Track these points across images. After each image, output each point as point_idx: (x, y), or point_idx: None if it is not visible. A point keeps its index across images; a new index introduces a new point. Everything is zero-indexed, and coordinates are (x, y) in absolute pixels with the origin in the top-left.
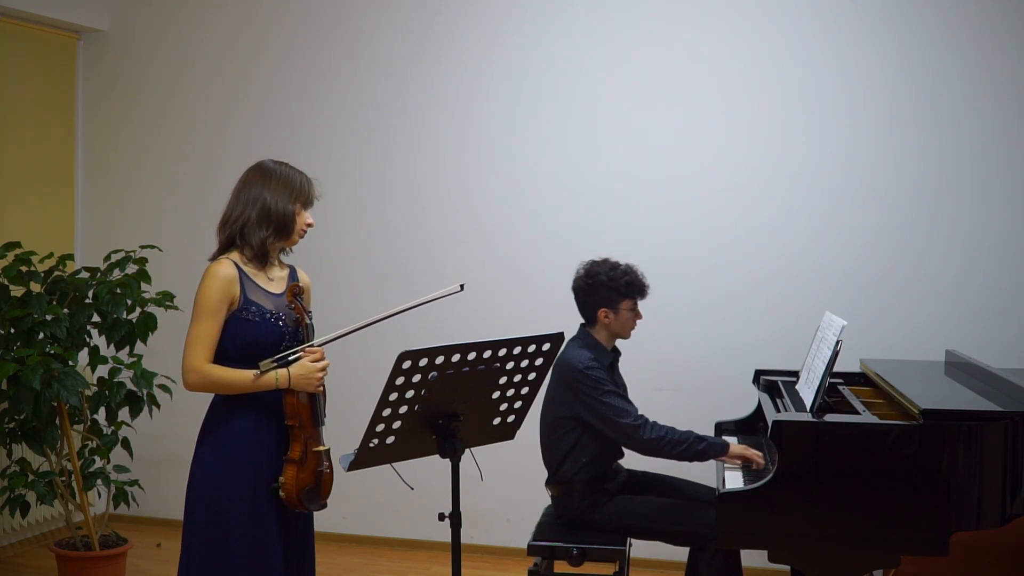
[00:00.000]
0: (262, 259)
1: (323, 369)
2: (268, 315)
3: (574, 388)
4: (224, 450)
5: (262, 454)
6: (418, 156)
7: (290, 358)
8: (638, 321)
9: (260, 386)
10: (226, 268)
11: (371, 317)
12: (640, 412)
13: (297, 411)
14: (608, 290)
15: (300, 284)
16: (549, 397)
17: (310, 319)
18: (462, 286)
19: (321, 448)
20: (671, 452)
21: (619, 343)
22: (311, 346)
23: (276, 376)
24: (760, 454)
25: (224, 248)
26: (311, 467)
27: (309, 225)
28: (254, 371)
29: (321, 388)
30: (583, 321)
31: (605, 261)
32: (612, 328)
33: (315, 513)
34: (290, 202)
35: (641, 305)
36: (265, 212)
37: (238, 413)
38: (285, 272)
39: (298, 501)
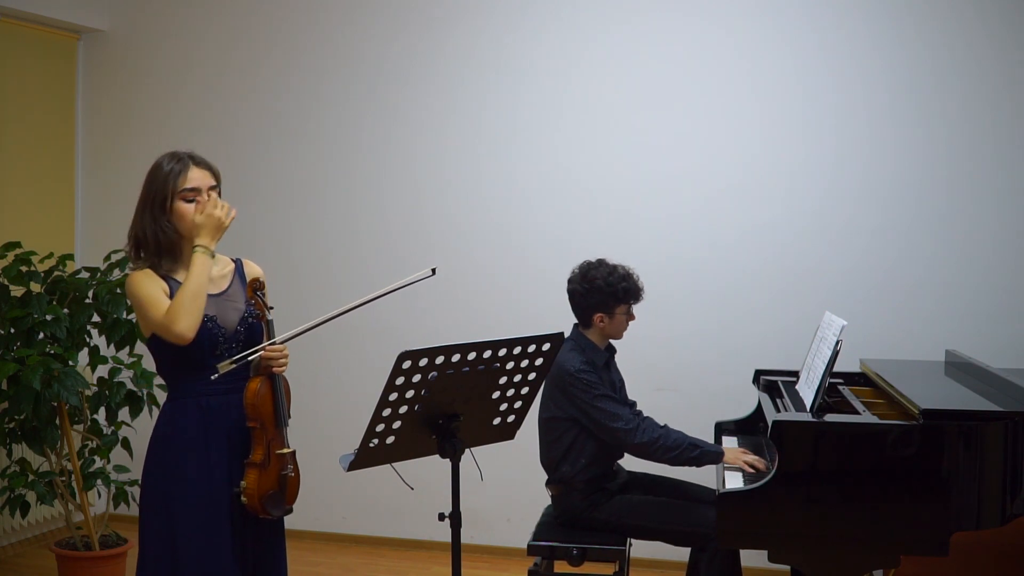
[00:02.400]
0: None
1: (215, 206)
2: None
3: (566, 391)
4: (171, 455)
5: (211, 458)
6: (417, 155)
7: (249, 358)
8: (631, 322)
9: (201, 268)
10: (144, 272)
11: (337, 309)
12: (636, 413)
13: (258, 412)
14: (605, 295)
15: (261, 280)
16: (543, 397)
17: (269, 315)
18: (434, 270)
19: (285, 451)
20: (663, 457)
21: (617, 343)
22: (271, 344)
23: (194, 249)
24: (757, 459)
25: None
26: (274, 471)
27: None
28: (191, 266)
29: (222, 217)
30: (576, 321)
31: (601, 264)
32: (606, 331)
33: (315, 513)
34: (157, 217)
35: (641, 304)
36: (144, 241)
37: (184, 417)
38: (228, 268)
39: (261, 507)
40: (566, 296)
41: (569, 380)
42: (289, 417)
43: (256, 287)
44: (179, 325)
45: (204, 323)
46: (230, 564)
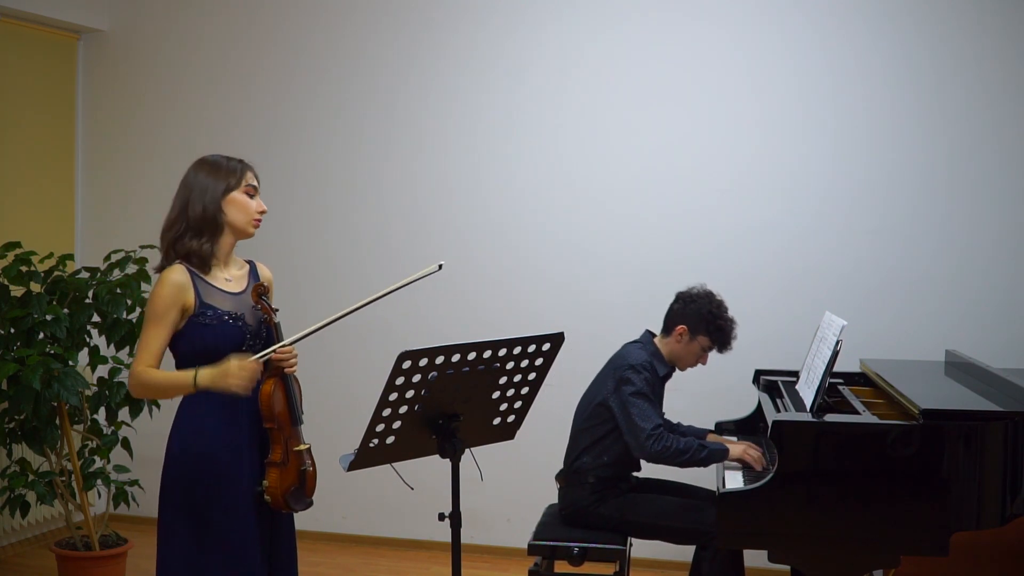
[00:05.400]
0: (203, 263)
1: (242, 366)
2: (226, 317)
3: (617, 379)
4: (195, 455)
5: (237, 455)
6: (417, 155)
7: (262, 359)
8: (700, 365)
9: (181, 386)
10: (177, 274)
11: (343, 309)
12: (672, 427)
13: (274, 413)
14: (700, 318)
15: (264, 283)
16: (592, 385)
17: (276, 317)
18: (440, 266)
19: (302, 447)
20: (675, 460)
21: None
22: (282, 345)
23: (195, 376)
24: (759, 454)
25: (167, 257)
26: (294, 467)
27: (261, 212)
28: (177, 372)
29: (246, 390)
30: (649, 329)
31: (721, 302)
32: (678, 348)
33: (315, 514)
34: (215, 195)
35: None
36: (191, 216)
37: (205, 416)
38: (244, 270)
39: (284, 503)
40: (566, 296)
41: (626, 371)
42: (303, 413)
43: (260, 292)
44: (133, 389)
45: (231, 322)
46: (257, 561)
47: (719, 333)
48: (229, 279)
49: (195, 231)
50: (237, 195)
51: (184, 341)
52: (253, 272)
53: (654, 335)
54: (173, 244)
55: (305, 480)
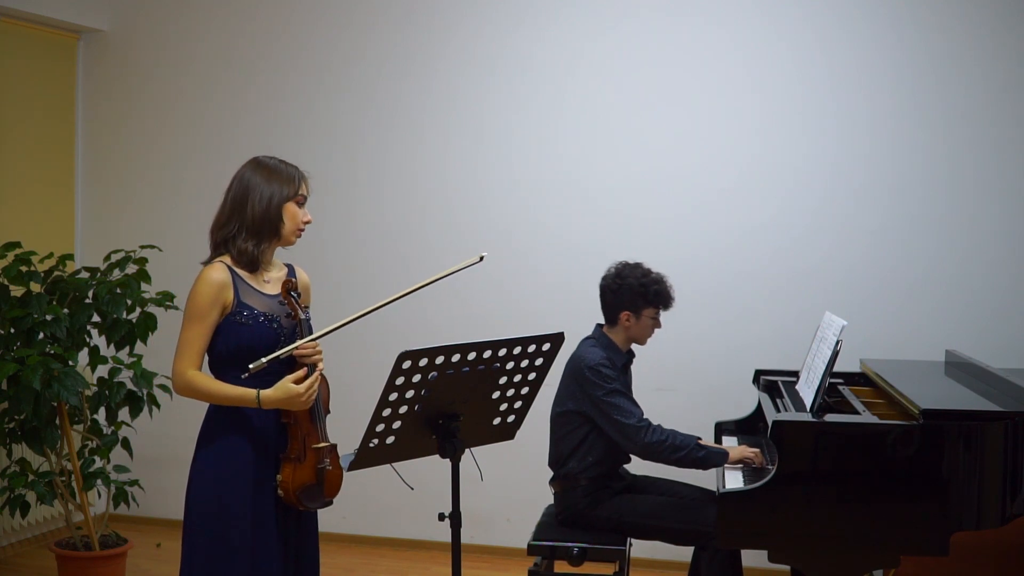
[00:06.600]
0: (252, 264)
1: (308, 388)
2: (262, 318)
3: (582, 384)
4: (225, 450)
5: (264, 454)
6: (417, 156)
7: (281, 356)
8: (656, 330)
9: (241, 402)
10: (218, 272)
11: (377, 302)
12: (645, 416)
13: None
14: (635, 295)
15: (295, 280)
16: (559, 392)
17: (306, 316)
18: (482, 257)
19: (322, 445)
20: (670, 457)
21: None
22: (304, 342)
23: (258, 396)
24: (758, 450)
25: (216, 251)
26: (310, 464)
27: (306, 222)
28: (236, 386)
29: (309, 405)
30: (599, 322)
31: (638, 266)
32: (631, 332)
33: (316, 513)
34: (275, 200)
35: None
36: (249, 218)
37: (239, 412)
38: (283, 272)
39: (296, 499)
40: (566, 296)
41: (588, 373)
42: (328, 412)
43: (289, 287)
44: (179, 390)
45: (268, 324)
46: (277, 556)
47: (659, 297)
48: (267, 280)
49: (252, 232)
50: (291, 204)
51: (219, 339)
52: (291, 276)
53: (603, 325)
54: (225, 242)
55: (323, 479)
